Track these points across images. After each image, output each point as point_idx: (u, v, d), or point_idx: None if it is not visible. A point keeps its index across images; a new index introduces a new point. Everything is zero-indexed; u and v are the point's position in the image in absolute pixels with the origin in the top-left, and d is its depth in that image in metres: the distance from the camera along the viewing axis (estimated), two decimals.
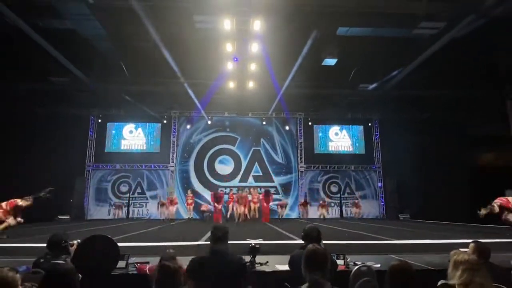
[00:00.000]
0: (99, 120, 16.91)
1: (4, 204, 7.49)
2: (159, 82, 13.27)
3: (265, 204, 14.06)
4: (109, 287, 3.39)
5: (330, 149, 17.87)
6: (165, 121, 17.03)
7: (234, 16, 8.75)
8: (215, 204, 13.45)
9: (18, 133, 13.85)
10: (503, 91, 13.14)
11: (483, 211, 8.06)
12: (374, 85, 13.17)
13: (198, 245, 5.54)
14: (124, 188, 16.53)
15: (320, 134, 17.96)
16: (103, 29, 9.51)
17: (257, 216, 14.32)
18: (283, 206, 15.47)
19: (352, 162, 17.60)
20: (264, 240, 5.72)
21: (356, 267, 3.00)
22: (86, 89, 13.20)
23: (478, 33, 8.90)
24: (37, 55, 10.07)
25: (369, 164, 17.72)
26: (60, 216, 14.52)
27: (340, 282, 2.46)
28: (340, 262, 3.80)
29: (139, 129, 17.23)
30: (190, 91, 13.37)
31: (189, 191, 15.02)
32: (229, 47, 9.94)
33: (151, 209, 16.24)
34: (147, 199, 16.53)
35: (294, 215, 16.66)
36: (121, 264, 3.67)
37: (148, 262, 3.75)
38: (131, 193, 16.46)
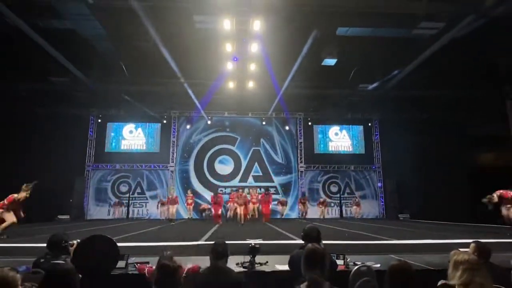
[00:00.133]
0: (99, 120, 16.91)
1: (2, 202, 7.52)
2: (159, 82, 13.27)
3: (264, 204, 14.08)
4: (109, 287, 3.39)
5: (330, 149, 17.87)
6: (165, 121, 17.03)
7: (234, 16, 8.75)
8: (214, 206, 13.43)
9: (18, 133, 13.86)
10: (503, 91, 13.14)
11: (485, 200, 8.20)
12: (374, 85, 13.17)
13: (198, 245, 5.54)
14: (124, 188, 16.53)
15: (320, 134, 17.97)
16: (103, 29, 9.51)
17: (256, 216, 14.33)
18: (283, 203, 15.47)
19: (352, 162, 17.60)
20: (264, 240, 5.72)
21: (356, 267, 3.00)
22: (86, 89, 13.21)
23: (478, 33, 8.90)
24: (37, 55, 10.07)
25: (369, 164, 17.72)
26: (60, 216, 14.52)
27: (340, 282, 2.46)
28: (340, 262, 3.80)
29: (139, 129, 17.23)
30: (190, 91, 13.37)
31: (189, 191, 15.03)
32: (229, 47, 9.94)
33: (151, 209, 16.25)
34: (147, 199, 16.53)
35: (294, 215, 16.67)
36: (121, 264, 3.67)
37: (148, 262, 3.75)
38: (131, 193, 16.46)
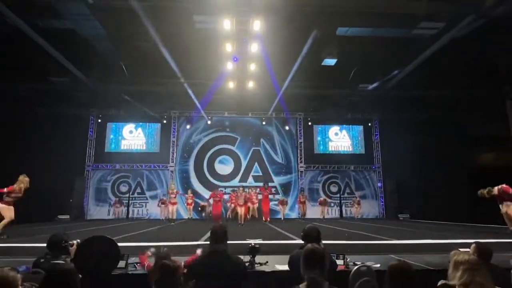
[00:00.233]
0: (99, 120, 16.91)
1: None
2: (159, 82, 13.27)
3: (264, 200, 14.16)
4: (109, 287, 3.39)
5: (330, 149, 17.87)
6: (165, 121, 17.03)
7: (234, 16, 8.75)
8: (214, 204, 13.46)
9: (18, 133, 13.85)
10: (503, 91, 13.13)
11: (483, 191, 8.19)
12: (374, 85, 13.17)
13: (198, 245, 5.54)
14: (124, 188, 16.53)
15: (320, 134, 17.97)
16: (103, 29, 9.51)
17: (256, 216, 14.36)
18: (283, 203, 15.50)
19: (352, 162, 17.61)
20: (264, 240, 5.73)
21: (356, 267, 3.00)
22: (86, 89, 13.21)
23: (478, 33, 8.90)
24: (37, 55, 10.07)
25: (369, 164, 17.72)
26: (60, 216, 14.52)
27: (340, 282, 2.46)
28: (339, 262, 3.79)
29: (139, 129, 17.23)
30: (190, 91, 13.37)
31: (189, 191, 15.05)
32: (229, 47, 9.94)
33: (151, 209, 16.26)
34: (146, 199, 16.53)
35: (294, 215, 16.67)
36: (121, 264, 3.67)
37: None
38: (130, 193, 16.46)
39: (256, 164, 17.23)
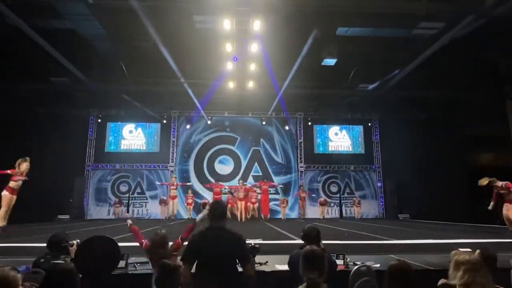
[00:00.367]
0: (99, 120, 16.90)
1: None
2: (159, 82, 13.28)
3: (263, 196, 14.22)
4: (109, 287, 3.39)
5: (330, 149, 17.86)
6: (165, 121, 17.02)
7: (234, 16, 8.75)
8: (214, 190, 13.58)
9: (18, 133, 13.85)
10: (503, 91, 13.13)
11: (485, 180, 8.06)
12: (374, 85, 13.17)
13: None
14: (123, 188, 16.52)
15: (320, 134, 17.95)
16: (103, 29, 9.52)
17: (256, 215, 14.37)
18: (283, 203, 15.51)
19: (351, 162, 17.59)
20: (264, 240, 5.72)
21: (356, 267, 3.00)
22: (86, 89, 13.21)
23: (478, 33, 8.91)
24: (37, 55, 10.07)
25: (369, 164, 17.71)
26: (60, 216, 14.51)
27: (340, 282, 2.47)
28: (339, 262, 3.80)
29: (139, 129, 17.22)
30: (190, 91, 13.37)
31: (189, 191, 15.04)
32: (229, 47, 9.95)
33: (151, 209, 16.24)
34: (146, 199, 16.52)
35: (294, 215, 16.66)
36: (121, 264, 3.68)
37: (148, 262, 3.76)
38: (130, 193, 16.46)
39: (256, 164, 17.22)
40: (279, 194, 16.85)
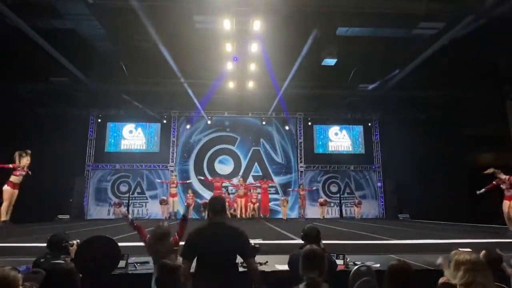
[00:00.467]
0: (99, 120, 16.89)
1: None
2: (159, 82, 13.28)
3: (263, 194, 14.26)
4: (109, 287, 3.39)
5: (330, 149, 17.85)
6: (165, 121, 17.02)
7: (234, 16, 8.76)
8: (214, 184, 13.73)
9: (18, 133, 13.85)
10: (503, 91, 13.14)
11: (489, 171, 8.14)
12: (374, 85, 13.18)
13: None
14: (123, 188, 16.52)
15: (320, 134, 17.95)
16: (103, 29, 9.52)
17: (257, 215, 14.37)
18: (284, 202, 15.51)
19: (351, 162, 17.59)
20: (264, 240, 5.72)
21: (356, 267, 3.00)
22: (86, 89, 13.21)
23: (478, 33, 8.91)
24: (37, 55, 10.07)
25: (369, 164, 17.71)
26: (60, 216, 14.50)
27: (340, 282, 2.47)
28: (339, 262, 3.80)
29: (139, 129, 17.22)
30: (190, 91, 13.37)
31: (189, 191, 15.04)
32: (229, 47, 9.95)
33: (151, 209, 16.24)
34: (146, 199, 16.52)
35: (294, 215, 16.66)
36: (121, 264, 3.68)
37: (148, 262, 3.76)
38: (130, 193, 16.46)
39: (256, 164, 17.22)
40: (279, 194, 16.86)
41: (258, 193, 14.85)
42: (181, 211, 15.55)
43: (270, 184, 15.86)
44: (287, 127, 17.63)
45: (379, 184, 17.41)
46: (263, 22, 8.85)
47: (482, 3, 8.13)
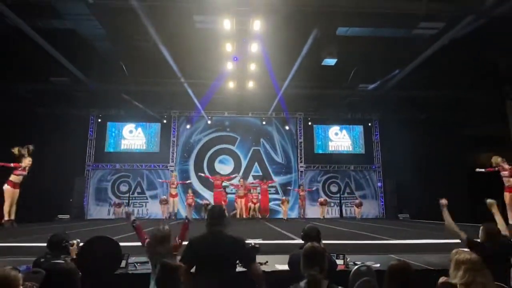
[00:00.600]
0: (99, 120, 16.90)
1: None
2: (159, 82, 13.28)
3: (263, 194, 14.26)
4: (109, 287, 3.39)
5: (330, 149, 17.86)
6: (165, 121, 17.02)
7: (234, 16, 8.76)
8: (215, 182, 13.74)
9: (18, 133, 13.84)
10: (503, 91, 13.14)
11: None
12: (374, 85, 13.18)
13: None
14: (124, 188, 16.53)
15: (320, 134, 17.96)
16: (103, 29, 9.52)
17: (257, 215, 14.37)
18: (284, 202, 15.52)
19: (352, 162, 17.59)
20: (264, 240, 5.72)
21: (356, 267, 3.00)
22: (86, 89, 13.21)
23: (478, 33, 8.92)
24: (37, 55, 10.08)
25: (369, 164, 17.71)
26: (60, 216, 14.50)
27: (340, 282, 2.47)
28: (339, 262, 3.80)
29: (139, 129, 17.22)
30: (190, 91, 13.38)
31: (189, 191, 15.03)
32: (229, 47, 9.95)
33: (151, 209, 16.24)
34: (147, 199, 16.53)
35: (294, 215, 16.66)
36: (121, 264, 3.69)
37: (148, 262, 3.75)
38: (130, 192, 16.46)
39: (256, 164, 17.22)
40: (279, 194, 16.87)
41: (259, 193, 14.85)
42: (181, 211, 15.57)
43: (270, 184, 15.88)
44: (287, 127, 17.63)
45: (379, 184, 17.42)
46: (263, 22, 8.85)
47: (482, 3, 8.13)
